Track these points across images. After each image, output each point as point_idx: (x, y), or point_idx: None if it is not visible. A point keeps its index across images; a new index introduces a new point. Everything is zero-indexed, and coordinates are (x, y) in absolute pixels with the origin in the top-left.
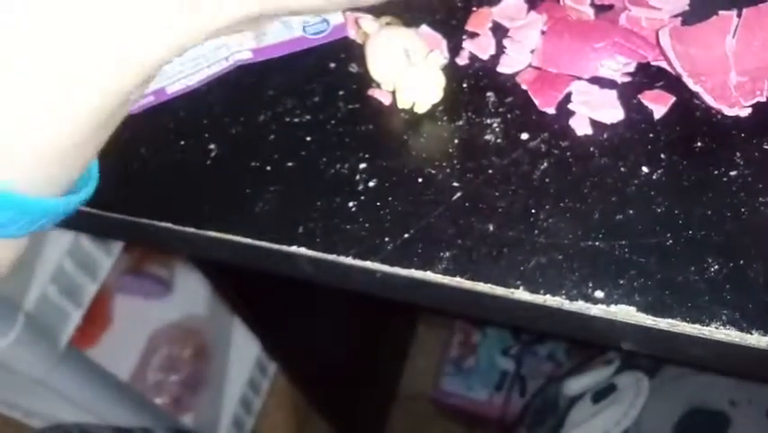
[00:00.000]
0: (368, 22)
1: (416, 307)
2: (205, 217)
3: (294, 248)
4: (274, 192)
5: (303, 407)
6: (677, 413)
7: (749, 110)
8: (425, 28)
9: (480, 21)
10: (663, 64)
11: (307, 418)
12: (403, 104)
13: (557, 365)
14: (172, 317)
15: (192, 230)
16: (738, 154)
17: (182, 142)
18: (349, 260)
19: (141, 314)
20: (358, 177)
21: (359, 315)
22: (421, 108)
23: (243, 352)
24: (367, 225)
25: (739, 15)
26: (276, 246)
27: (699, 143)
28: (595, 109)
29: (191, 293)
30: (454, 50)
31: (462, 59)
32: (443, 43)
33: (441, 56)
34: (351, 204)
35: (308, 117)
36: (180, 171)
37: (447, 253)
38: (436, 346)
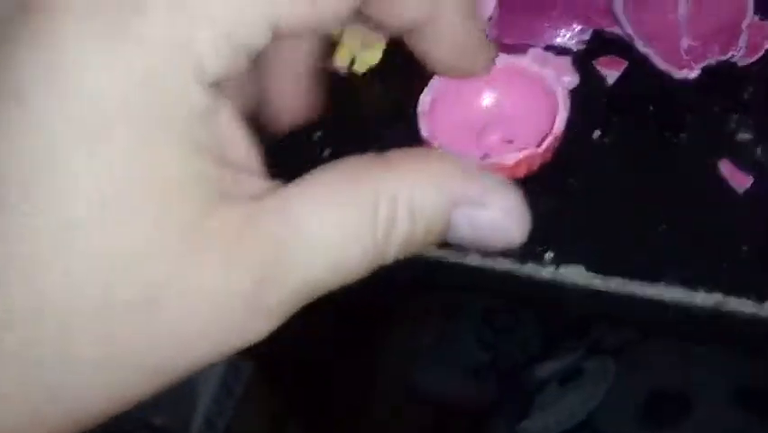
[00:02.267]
0: None
1: (390, 297)
2: None
3: None
4: None
5: (277, 404)
6: (642, 395)
7: (698, 72)
8: None
9: None
10: (618, 30)
11: (281, 415)
12: (341, 60)
13: (532, 355)
14: None
15: None
16: (688, 117)
17: None
18: None
19: None
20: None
21: (332, 308)
22: (360, 68)
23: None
24: None
25: None
26: None
27: (650, 107)
28: None
29: None
30: None
31: None
32: None
33: None
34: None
35: None
36: None
37: None
38: (411, 337)
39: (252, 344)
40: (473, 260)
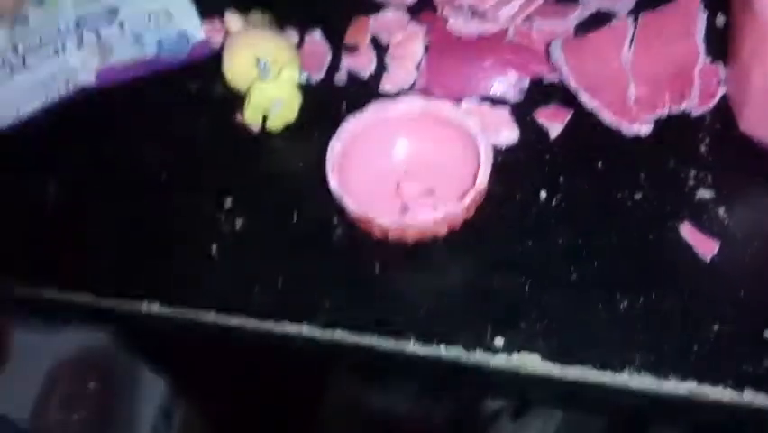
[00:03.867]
0: (233, 17)
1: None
2: (43, 273)
3: (145, 304)
4: (120, 243)
5: None
6: (599, 422)
7: (650, 127)
8: (316, 35)
9: (358, 33)
10: (559, 77)
11: None
12: (250, 120)
13: None
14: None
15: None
16: (642, 175)
17: (16, 181)
18: (212, 315)
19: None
20: (223, 218)
21: (269, 358)
22: (275, 125)
23: (152, 385)
24: (229, 274)
25: (636, 21)
26: (125, 302)
27: (599, 164)
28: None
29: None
30: (335, 66)
31: (341, 77)
32: (328, 56)
33: (296, 71)
34: (214, 248)
35: (165, 152)
36: (12, 217)
37: (327, 304)
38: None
39: None
40: (415, 348)
